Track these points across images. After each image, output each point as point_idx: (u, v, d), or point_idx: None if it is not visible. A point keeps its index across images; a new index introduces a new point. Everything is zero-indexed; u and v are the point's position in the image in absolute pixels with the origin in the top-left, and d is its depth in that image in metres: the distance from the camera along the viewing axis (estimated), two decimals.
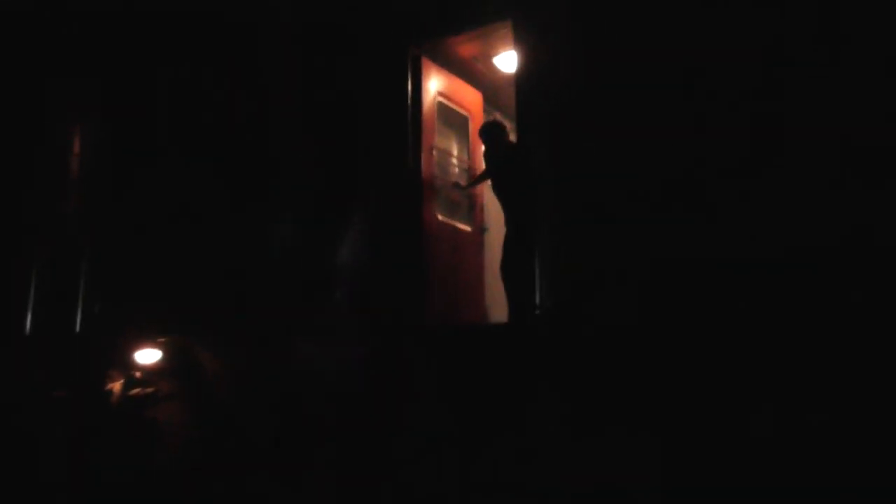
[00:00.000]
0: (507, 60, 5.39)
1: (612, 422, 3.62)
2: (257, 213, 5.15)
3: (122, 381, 5.40)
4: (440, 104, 5.26)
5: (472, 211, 5.56)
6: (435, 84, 5.10)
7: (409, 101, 4.79)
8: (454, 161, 5.67)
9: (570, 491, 3.62)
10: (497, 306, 5.48)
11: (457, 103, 5.57)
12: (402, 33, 4.75)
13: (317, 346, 4.52)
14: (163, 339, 5.37)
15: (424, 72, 4.92)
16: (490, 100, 5.97)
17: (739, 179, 3.45)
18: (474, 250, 5.42)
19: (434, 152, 5.04)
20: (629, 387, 3.61)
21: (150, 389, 5.26)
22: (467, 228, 5.40)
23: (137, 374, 5.36)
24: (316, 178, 4.90)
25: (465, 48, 5.32)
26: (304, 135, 5.02)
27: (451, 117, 5.64)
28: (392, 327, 4.35)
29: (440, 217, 5.01)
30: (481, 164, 5.68)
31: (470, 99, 5.71)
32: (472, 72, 5.72)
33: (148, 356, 5.35)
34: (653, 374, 3.57)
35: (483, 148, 5.28)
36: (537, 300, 3.93)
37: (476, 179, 5.51)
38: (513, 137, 5.10)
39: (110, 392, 5.36)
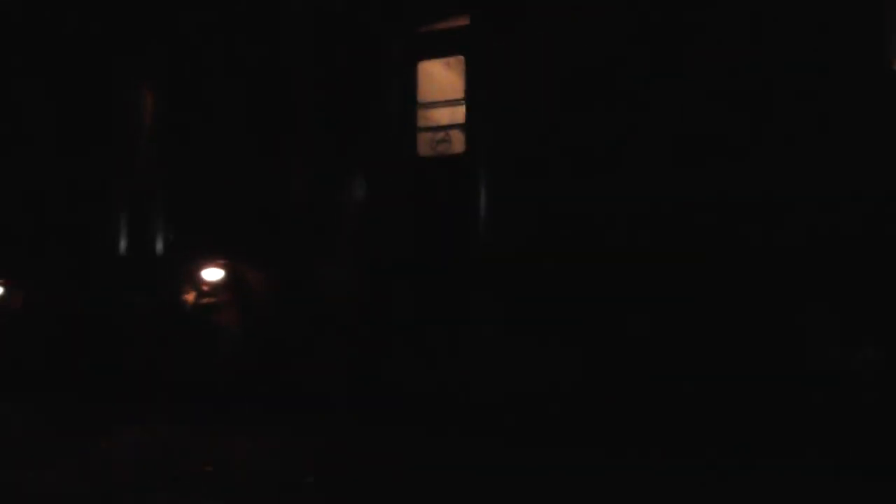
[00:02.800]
0: None
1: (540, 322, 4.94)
2: (284, 163, 6.55)
3: (193, 293, 6.99)
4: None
5: None
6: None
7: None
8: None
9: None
10: None
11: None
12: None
13: (328, 267, 5.97)
14: (221, 261, 6.92)
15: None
16: None
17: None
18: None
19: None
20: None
21: (213, 300, 6.85)
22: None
23: (204, 288, 6.94)
24: (327, 133, 6.24)
25: None
26: (317, 97, 6.32)
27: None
28: (379, 251, 5.75)
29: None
30: None
31: None
32: None
33: (212, 274, 6.92)
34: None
35: None
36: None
37: None
38: None
39: (185, 301, 6.97)
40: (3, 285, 8.39)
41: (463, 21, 5.47)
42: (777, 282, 4.19)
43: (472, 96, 5.37)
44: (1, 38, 8.37)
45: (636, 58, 4.54)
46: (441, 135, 5.63)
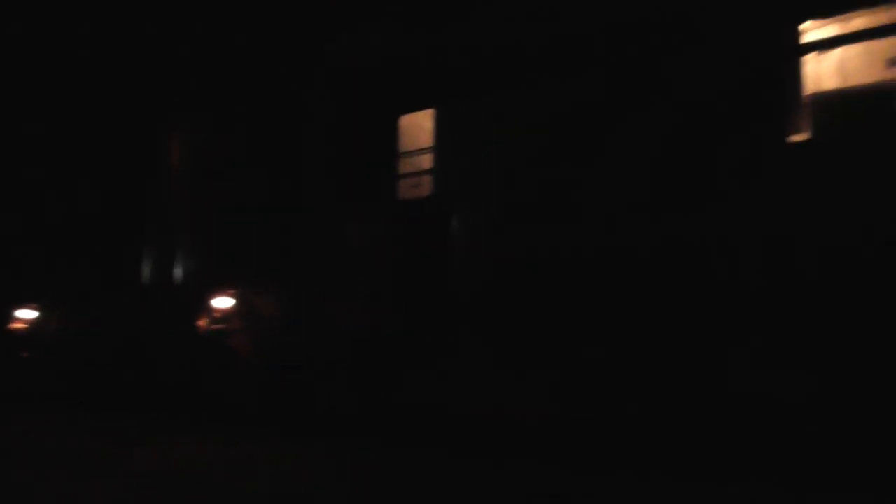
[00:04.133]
0: None
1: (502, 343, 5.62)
2: (294, 204, 7.31)
3: (206, 319, 7.77)
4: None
5: None
6: None
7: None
8: None
9: None
10: None
11: None
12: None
13: (331, 298, 6.72)
14: (233, 291, 7.68)
15: None
16: None
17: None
18: None
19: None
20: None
21: (224, 325, 7.61)
22: None
23: (217, 315, 7.71)
24: (330, 179, 6.99)
25: None
26: (323, 149, 7.08)
27: None
28: (373, 284, 6.46)
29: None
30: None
31: None
32: None
33: (223, 302, 7.68)
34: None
35: None
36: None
37: None
38: None
39: (199, 327, 7.75)
40: (38, 310, 9.31)
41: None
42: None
43: (438, 145, 6.08)
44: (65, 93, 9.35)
45: (581, 122, 5.21)
46: (415, 179, 6.32)
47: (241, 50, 7.80)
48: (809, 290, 4.39)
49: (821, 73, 6.00)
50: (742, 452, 4.64)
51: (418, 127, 6.69)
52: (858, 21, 5.54)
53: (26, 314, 9.35)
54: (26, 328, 9.33)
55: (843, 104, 5.30)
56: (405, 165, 6.60)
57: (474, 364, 5.86)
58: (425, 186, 6.39)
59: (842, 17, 5.45)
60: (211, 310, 7.71)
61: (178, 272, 8.49)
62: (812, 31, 5.52)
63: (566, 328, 5.39)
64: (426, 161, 6.48)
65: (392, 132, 6.53)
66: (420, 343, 6.24)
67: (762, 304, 4.48)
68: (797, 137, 4.57)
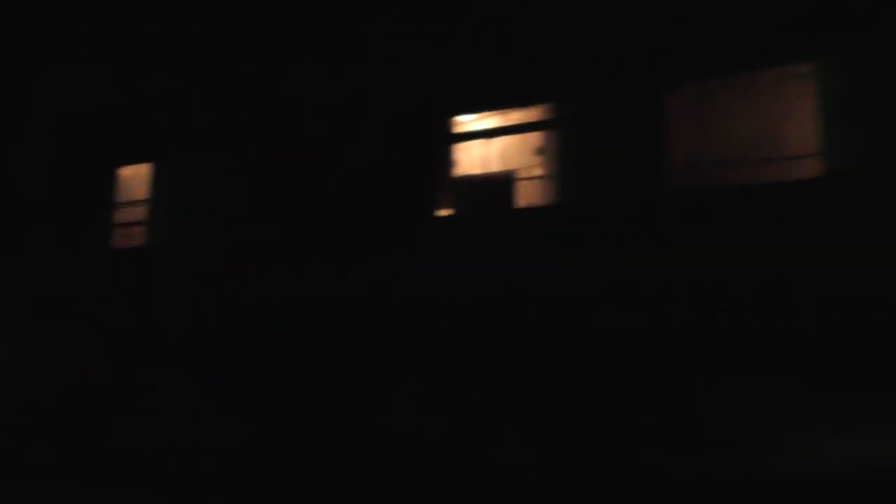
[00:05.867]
0: None
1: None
2: (7, 249, 7.22)
3: None
4: None
5: None
6: None
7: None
8: None
9: None
10: None
11: None
12: None
13: (37, 346, 6.71)
14: None
15: None
16: None
17: None
18: None
19: None
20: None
21: None
22: None
23: None
24: (49, 225, 7.02)
25: None
26: (46, 199, 7.10)
27: None
28: (89, 330, 6.58)
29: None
30: None
31: None
32: None
33: None
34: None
35: None
36: None
37: None
38: None
39: None
40: None
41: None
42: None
43: (154, 198, 6.42)
44: None
45: (270, 187, 5.84)
46: (131, 229, 6.57)
47: None
48: (451, 338, 5.25)
49: (488, 156, 7.15)
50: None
51: (139, 179, 6.97)
52: (516, 115, 6.73)
53: None
54: None
55: (489, 184, 6.38)
56: (124, 215, 6.83)
57: (177, 405, 6.16)
58: (140, 237, 6.66)
59: (502, 111, 6.60)
60: None
61: None
62: (476, 121, 6.62)
63: (256, 371, 5.89)
64: (143, 212, 6.77)
65: (110, 182, 6.75)
66: (128, 386, 6.43)
67: (410, 351, 5.28)
68: (444, 212, 5.48)
